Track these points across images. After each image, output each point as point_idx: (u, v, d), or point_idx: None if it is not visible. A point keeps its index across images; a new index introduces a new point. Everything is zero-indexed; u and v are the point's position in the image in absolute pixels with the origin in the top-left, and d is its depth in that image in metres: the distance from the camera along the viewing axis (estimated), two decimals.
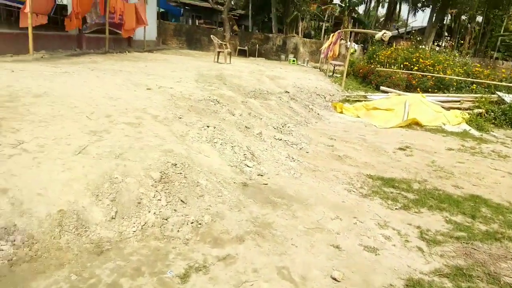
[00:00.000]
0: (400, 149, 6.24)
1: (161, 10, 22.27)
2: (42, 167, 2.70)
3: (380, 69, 13.40)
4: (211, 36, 14.79)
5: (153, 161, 3.24)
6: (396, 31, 29.95)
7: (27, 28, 7.69)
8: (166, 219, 2.73)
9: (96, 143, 3.34)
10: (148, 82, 6.76)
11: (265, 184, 3.87)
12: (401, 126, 8.18)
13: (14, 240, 2.05)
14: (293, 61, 20.25)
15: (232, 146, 4.48)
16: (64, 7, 11.47)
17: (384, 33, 11.46)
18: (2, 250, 1.98)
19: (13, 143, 2.97)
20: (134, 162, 3.12)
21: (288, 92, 9.58)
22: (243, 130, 5.40)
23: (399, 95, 10.61)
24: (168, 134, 4.04)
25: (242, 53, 21.60)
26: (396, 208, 3.77)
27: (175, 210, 2.85)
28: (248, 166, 4.15)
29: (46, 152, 2.93)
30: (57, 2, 9.81)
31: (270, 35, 22.81)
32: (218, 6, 21.62)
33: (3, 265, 1.93)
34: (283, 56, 21.94)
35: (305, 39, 22.89)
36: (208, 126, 4.75)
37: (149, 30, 15.53)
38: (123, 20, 12.47)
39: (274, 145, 5.29)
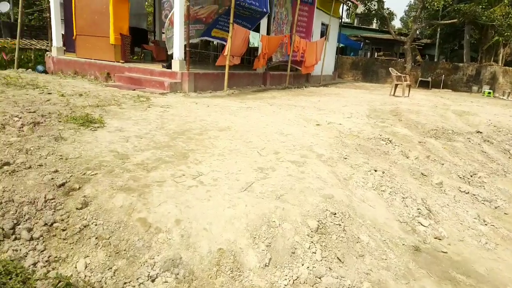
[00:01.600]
0: None
1: (341, 45, 22.80)
2: (211, 201, 2.91)
3: None
4: (390, 68, 14.06)
5: (312, 207, 3.08)
6: None
7: (224, 67, 9.09)
8: (320, 278, 2.49)
9: (261, 181, 3.45)
10: (318, 118, 6.81)
11: (444, 252, 3.15)
12: None
13: (178, 274, 2.20)
14: (489, 93, 17.17)
15: (403, 197, 3.91)
16: (256, 49, 13.12)
17: None
18: (167, 282, 2.14)
19: (194, 174, 3.36)
20: (293, 206, 3.04)
21: (481, 132, 7.99)
22: (418, 177, 4.69)
23: None
24: (330, 176, 3.84)
25: (424, 85, 19.77)
26: None
27: (330, 268, 2.58)
28: (422, 224, 3.50)
29: (218, 186, 3.18)
30: (249, 45, 11.28)
31: (460, 64, 20.13)
32: (401, 37, 20.54)
33: None
34: (475, 88, 18.91)
35: (506, 67, 19.08)
36: (375, 170, 4.32)
37: (327, 65, 16.05)
38: (304, 58, 13.29)
39: (459, 199, 4.36)
